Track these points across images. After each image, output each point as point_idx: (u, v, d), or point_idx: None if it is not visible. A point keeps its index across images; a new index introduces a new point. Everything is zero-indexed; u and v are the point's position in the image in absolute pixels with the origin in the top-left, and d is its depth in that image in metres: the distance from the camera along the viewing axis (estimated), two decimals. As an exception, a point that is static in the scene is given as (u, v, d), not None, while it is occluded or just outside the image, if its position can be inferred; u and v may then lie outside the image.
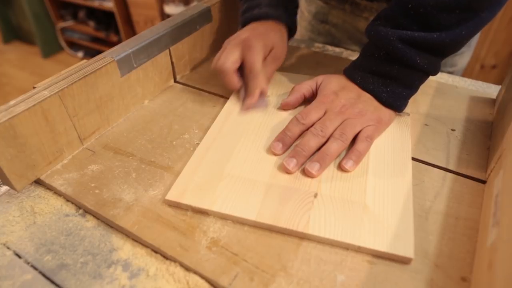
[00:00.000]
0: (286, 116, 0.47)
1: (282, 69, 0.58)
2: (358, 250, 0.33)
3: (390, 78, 0.43)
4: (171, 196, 0.37)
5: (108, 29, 2.50)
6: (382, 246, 0.32)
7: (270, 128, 0.45)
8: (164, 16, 2.13)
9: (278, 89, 0.52)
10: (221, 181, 0.38)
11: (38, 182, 0.41)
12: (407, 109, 0.47)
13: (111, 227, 0.36)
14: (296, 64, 0.60)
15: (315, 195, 0.36)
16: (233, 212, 0.35)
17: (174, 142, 0.45)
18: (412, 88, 0.44)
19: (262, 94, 0.48)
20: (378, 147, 0.42)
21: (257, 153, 0.42)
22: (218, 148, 0.42)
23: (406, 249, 0.32)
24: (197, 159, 0.41)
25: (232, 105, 0.50)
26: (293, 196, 0.36)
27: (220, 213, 0.35)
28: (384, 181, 0.38)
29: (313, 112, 0.43)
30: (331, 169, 0.40)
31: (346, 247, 0.33)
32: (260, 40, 0.48)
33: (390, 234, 0.33)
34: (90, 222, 0.37)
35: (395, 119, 0.46)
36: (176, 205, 0.37)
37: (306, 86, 0.48)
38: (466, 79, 0.57)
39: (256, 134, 0.45)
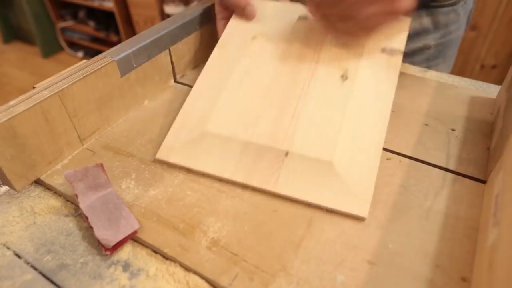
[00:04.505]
0: (274, 65, 0.45)
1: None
2: (320, 208, 0.35)
3: None
4: (161, 155, 0.40)
5: (108, 29, 2.50)
6: (340, 205, 0.34)
7: (255, 76, 0.45)
8: (164, 16, 2.13)
9: (265, 24, 0.50)
10: (203, 140, 0.40)
11: (38, 182, 0.41)
12: (401, 45, 0.45)
13: (111, 227, 0.36)
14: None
15: (286, 154, 0.38)
16: (212, 171, 0.38)
17: (174, 142, 0.45)
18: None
19: None
20: (359, 92, 0.41)
21: (240, 103, 0.42)
22: (203, 100, 0.44)
23: (361, 209, 0.34)
24: (184, 113, 0.43)
25: (225, 39, 0.50)
26: (266, 155, 0.38)
27: (202, 172, 0.39)
28: (356, 137, 0.39)
29: None
30: (307, 121, 0.40)
31: (309, 205, 0.36)
32: None
33: (350, 194, 0.35)
34: (90, 222, 0.37)
35: (384, 60, 0.44)
36: (166, 163, 0.40)
37: None
38: (466, 79, 0.57)
39: (240, 83, 0.44)
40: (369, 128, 0.39)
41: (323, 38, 0.46)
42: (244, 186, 0.37)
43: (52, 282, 0.32)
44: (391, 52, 0.44)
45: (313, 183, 0.36)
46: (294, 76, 0.44)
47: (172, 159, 0.39)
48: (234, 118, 0.41)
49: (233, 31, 0.51)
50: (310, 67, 0.44)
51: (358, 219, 0.34)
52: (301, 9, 0.51)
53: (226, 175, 0.37)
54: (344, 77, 0.42)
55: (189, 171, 0.40)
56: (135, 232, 0.34)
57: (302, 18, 0.49)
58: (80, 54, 2.74)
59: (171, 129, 0.42)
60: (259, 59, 0.46)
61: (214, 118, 0.42)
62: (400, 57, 0.44)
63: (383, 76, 0.43)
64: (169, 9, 2.10)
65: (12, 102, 0.37)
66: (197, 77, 0.58)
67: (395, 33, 0.45)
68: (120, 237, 0.33)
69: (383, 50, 0.44)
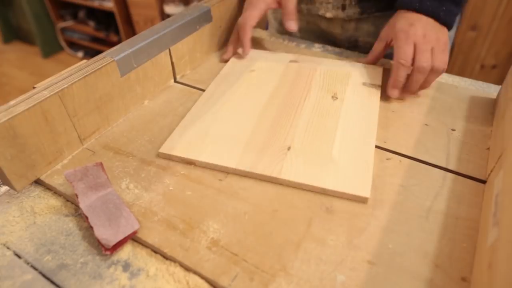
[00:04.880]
0: (271, 88, 0.52)
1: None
2: (323, 192, 0.38)
3: None
4: (164, 149, 0.42)
5: (108, 29, 2.49)
6: (343, 187, 0.37)
7: (254, 96, 0.51)
8: (164, 16, 2.13)
9: (262, 62, 0.58)
10: (207, 137, 0.44)
11: (38, 182, 0.41)
12: (378, 81, 0.53)
13: (111, 227, 0.36)
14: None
15: (289, 148, 0.42)
16: (217, 161, 0.40)
17: (174, 142, 0.45)
18: (459, 6, 0.49)
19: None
20: (349, 108, 0.48)
21: (242, 113, 0.48)
22: (208, 109, 0.48)
23: (364, 190, 0.37)
24: (189, 118, 0.47)
25: (227, 70, 0.57)
26: (269, 149, 0.42)
27: (205, 163, 0.41)
28: (351, 138, 0.43)
29: (408, 50, 0.47)
30: (305, 125, 0.45)
31: (312, 189, 0.38)
32: None
33: (351, 178, 0.38)
34: (90, 222, 0.37)
35: (367, 90, 0.51)
36: (168, 158, 0.42)
37: (380, 49, 0.54)
38: (466, 79, 0.57)
39: (242, 97, 0.51)
40: (361, 129, 0.45)
41: (313, 74, 0.55)
42: (249, 175, 0.40)
43: (52, 282, 0.32)
44: (371, 85, 0.52)
45: (315, 170, 0.39)
46: (290, 96, 0.51)
47: (176, 153, 0.42)
48: (237, 122, 0.46)
49: (234, 65, 0.58)
50: (304, 91, 0.51)
51: (361, 200, 0.37)
52: (292, 56, 0.60)
53: (232, 165, 0.40)
54: (334, 97, 0.50)
55: (189, 171, 0.41)
56: (135, 232, 0.34)
57: (293, 61, 0.59)
58: (80, 54, 2.73)
59: (175, 130, 0.45)
60: (257, 84, 0.54)
61: (220, 120, 0.46)
62: (379, 89, 0.51)
63: (367, 98, 0.50)
64: (169, 9, 2.10)
65: (12, 102, 0.37)
66: (197, 77, 0.58)
67: (371, 71, 0.55)
68: (120, 237, 0.33)
69: (364, 84, 0.53)
